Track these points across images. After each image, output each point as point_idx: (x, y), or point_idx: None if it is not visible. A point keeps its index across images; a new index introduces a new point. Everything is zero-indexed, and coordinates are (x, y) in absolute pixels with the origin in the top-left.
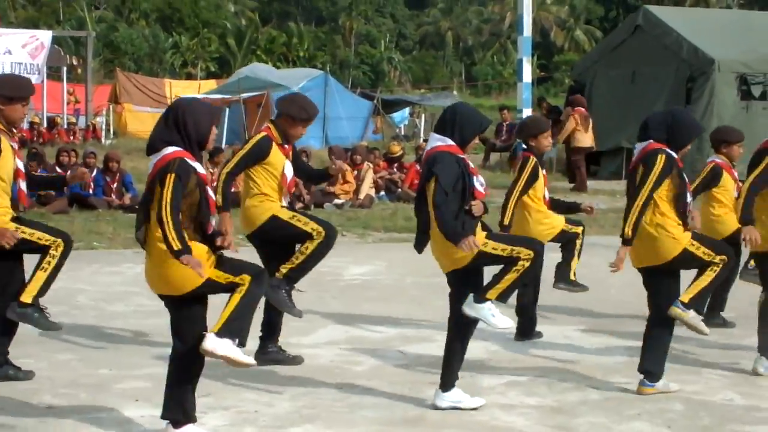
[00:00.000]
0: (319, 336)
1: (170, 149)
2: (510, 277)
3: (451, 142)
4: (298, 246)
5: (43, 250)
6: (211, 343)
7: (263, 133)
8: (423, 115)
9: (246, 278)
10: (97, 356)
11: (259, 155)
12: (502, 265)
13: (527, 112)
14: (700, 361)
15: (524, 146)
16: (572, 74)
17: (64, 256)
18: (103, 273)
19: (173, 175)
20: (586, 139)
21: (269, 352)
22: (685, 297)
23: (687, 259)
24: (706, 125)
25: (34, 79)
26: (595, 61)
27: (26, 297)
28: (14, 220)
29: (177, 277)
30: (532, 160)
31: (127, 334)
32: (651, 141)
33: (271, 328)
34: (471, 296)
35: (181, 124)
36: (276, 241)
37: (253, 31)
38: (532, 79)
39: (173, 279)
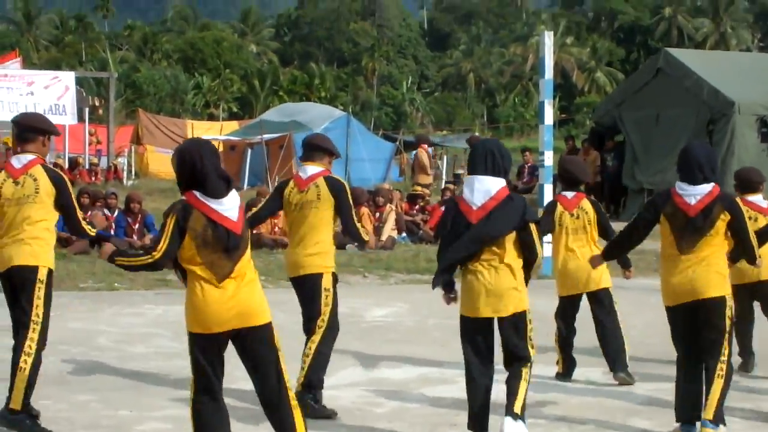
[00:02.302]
0: (341, 377)
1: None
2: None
3: (504, 183)
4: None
5: (22, 324)
6: None
7: (338, 177)
8: (445, 157)
9: None
10: (117, 397)
11: None
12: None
13: (549, 155)
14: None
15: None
16: (594, 116)
17: (38, 348)
18: (124, 314)
19: None
20: None
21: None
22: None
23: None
24: (727, 168)
25: (62, 120)
26: (617, 103)
27: (15, 404)
28: (48, 276)
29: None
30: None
31: (148, 375)
32: (714, 184)
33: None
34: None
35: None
36: (304, 294)
37: (275, 72)
38: (553, 121)
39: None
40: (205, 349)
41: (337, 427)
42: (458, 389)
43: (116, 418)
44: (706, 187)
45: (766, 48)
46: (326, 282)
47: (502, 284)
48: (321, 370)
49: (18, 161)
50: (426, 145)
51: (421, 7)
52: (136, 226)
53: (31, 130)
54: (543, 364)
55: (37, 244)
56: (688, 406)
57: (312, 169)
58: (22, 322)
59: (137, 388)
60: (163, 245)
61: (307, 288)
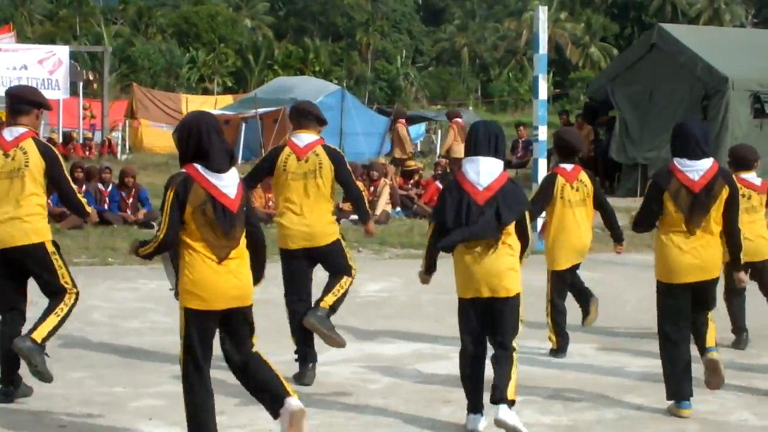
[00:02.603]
0: (334, 353)
1: None
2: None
3: (503, 165)
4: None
5: (55, 291)
6: None
7: (335, 147)
8: (439, 131)
9: None
10: (111, 374)
11: None
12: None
13: (543, 129)
14: None
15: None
16: (588, 92)
17: (73, 306)
18: (118, 289)
19: None
20: (462, 150)
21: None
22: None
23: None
24: (721, 143)
25: (55, 94)
26: (611, 78)
27: (37, 336)
28: (54, 245)
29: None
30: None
31: (142, 351)
32: (713, 159)
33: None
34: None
35: None
36: (319, 262)
37: (269, 46)
38: (547, 96)
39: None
40: (202, 326)
41: (330, 404)
42: (452, 365)
43: (111, 394)
44: (707, 162)
45: (760, 24)
46: (344, 243)
47: (502, 265)
48: (340, 304)
49: (9, 134)
50: (404, 120)
51: None
52: (130, 200)
53: (24, 102)
54: (538, 340)
55: (35, 221)
56: (686, 383)
57: (308, 137)
58: (51, 292)
59: (132, 364)
60: (164, 226)
61: (331, 255)
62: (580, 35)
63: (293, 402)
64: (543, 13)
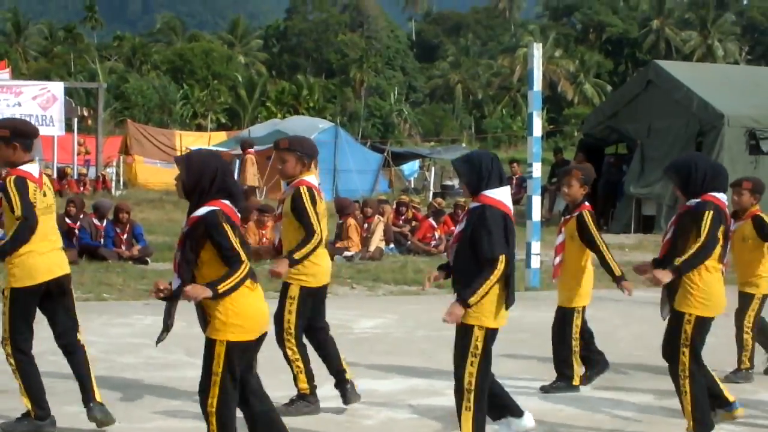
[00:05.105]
0: (329, 389)
1: None
2: None
3: None
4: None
5: (70, 326)
6: None
7: None
8: (432, 168)
9: None
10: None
11: None
12: None
13: (537, 166)
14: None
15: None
16: (583, 128)
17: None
18: (113, 324)
19: None
20: (255, 179)
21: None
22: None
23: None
24: None
25: (50, 131)
26: (609, 115)
27: (99, 396)
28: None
29: None
30: None
31: (138, 386)
32: None
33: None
34: None
35: None
36: (323, 299)
37: (263, 83)
38: (542, 132)
39: None
40: (243, 358)
41: None
42: (447, 400)
43: (106, 430)
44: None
45: (754, 61)
46: None
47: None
48: None
49: (35, 170)
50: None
51: (410, 19)
52: (125, 236)
53: (34, 136)
54: (531, 376)
55: (64, 253)
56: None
57: (314, 178)
58: (69, 327)
59: (127, 399)
60: (242, 251)
61: (324, 293)
62: (574, 72)
63: None
64: (537, 50)
